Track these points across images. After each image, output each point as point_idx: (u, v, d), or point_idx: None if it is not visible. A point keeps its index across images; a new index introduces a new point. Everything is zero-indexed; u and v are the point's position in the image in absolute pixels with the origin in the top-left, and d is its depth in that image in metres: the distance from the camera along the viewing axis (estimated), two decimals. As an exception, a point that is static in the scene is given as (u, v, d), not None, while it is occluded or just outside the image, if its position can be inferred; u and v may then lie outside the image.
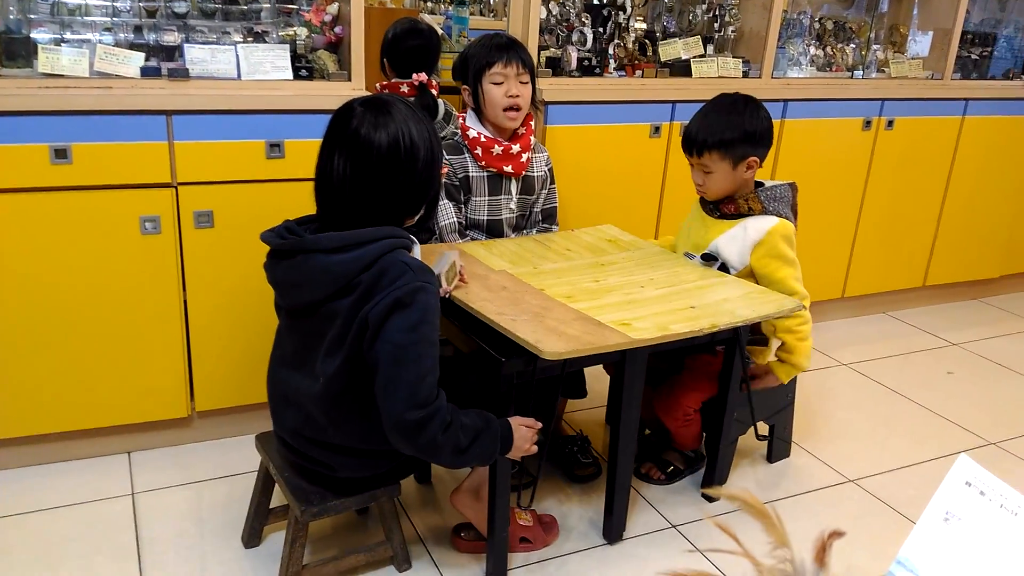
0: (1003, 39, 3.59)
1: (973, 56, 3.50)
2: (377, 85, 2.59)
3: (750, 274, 2.07)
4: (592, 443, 2.32)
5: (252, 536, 1.89)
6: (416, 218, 1.64)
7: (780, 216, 2.06)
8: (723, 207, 2.09)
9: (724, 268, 2.07)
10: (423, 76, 2.49)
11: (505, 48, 2.14)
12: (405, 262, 1.49)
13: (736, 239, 2.06)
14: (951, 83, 3.32)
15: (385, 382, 1.47)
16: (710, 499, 2.16)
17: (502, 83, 2.13)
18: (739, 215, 2.07)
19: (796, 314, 1.95)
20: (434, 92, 2.53)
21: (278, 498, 1.87)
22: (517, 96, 2.13)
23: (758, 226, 2.04)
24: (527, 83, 2.16)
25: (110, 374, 2.12)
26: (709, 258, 2.09)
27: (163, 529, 1.95)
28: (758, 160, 2.05)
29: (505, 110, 2.14)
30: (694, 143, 2.04)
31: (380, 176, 1.51)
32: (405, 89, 2.52)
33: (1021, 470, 2.41)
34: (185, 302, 2.14)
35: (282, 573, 1.69)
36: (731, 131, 2.00)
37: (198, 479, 2.15)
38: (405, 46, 2.62)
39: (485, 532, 1.84)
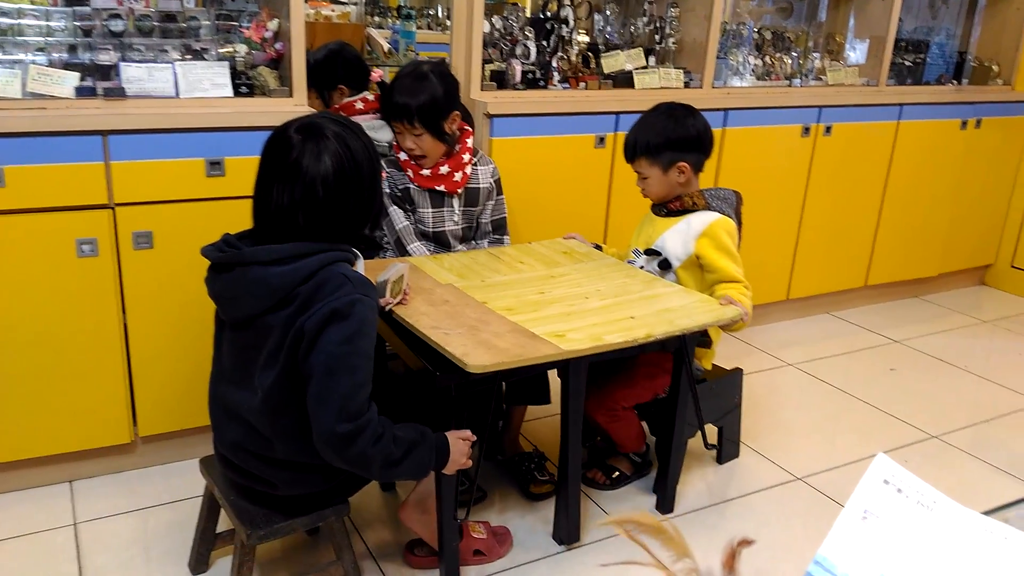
0: (935, 45, 3.71)
1: (907, 63, 3.61)
2: (336, 107, 2.55)
3: (693, 264, 2.13)
4: (549, 457, 2.32)
5: (199, 562, 1.85)
6: (367, 228, 1.63)
7: (723, 214, 2.13)
8: (670, 204, 2.19)
9: (666, 263, 2.15)
10: (380, 72, 2.47)
11: (402, 95, 2.11)
12: (344, 274, 1.48)
13: (680, 232, 2.15)
14: (886, 89, 3.42)
15: (317, 393, 1.46)
16: (664, 508, 2.17)
17: (401, 133, 2.18)
18: (684, 211, 2.16)
19: (739, 288, 2.06)
20: None
21: (225, 522, 1.83)
22: (412, 148, 2.17)
23: (702, 219, 2.13)
24: (421, 135, 2.15)
25: (49, 401, 2.06)
26: (652, 252, 2.18)
27: (108, 558, 1.90)
28: (689, 165, 2.11)
29: (412, 158, 2.20)
30: (626, 149, 2.18)
31: (329, 203, 1.51)
32: (360, 106, 2.49)
33: (962, 461, 2.49)
34: (125, 325, 2.10)
35: (231, 598, 1.66)
36: (656, 137, 2.12)
37: (142, 506, 2.10)
38: (346, 56, 2.59)
39: (435, 546, 1.84)
